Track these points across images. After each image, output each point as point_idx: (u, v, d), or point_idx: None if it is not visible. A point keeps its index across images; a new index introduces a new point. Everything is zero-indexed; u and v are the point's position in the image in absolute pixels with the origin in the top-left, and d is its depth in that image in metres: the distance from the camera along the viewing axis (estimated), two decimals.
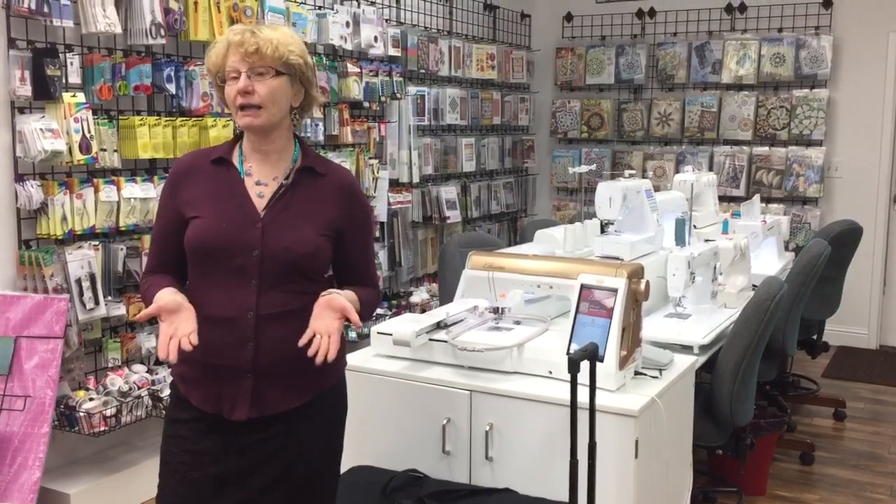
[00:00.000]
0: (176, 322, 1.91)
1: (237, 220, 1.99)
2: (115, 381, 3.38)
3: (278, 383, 1.99)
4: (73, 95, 3.25)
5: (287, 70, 1.99)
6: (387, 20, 5.07)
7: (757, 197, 4.79)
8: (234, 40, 1.96)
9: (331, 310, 1.96)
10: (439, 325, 2.63)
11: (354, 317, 1.97)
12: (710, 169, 6.39)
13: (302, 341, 1.92)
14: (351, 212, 2.09)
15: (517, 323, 2.68)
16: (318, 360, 1.90)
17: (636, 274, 2.42)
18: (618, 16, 6.87)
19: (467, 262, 2.73)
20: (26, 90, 3.14)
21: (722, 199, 5.74)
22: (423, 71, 5.48)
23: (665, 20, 6.72)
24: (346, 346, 2.22)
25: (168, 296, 1.95)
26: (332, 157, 4.43)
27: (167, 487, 2.05)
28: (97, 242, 3.41)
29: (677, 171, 6.10)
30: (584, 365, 2.09)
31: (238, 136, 2.11)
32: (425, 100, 5.48)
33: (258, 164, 2.06)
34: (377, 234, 4.99)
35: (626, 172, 3.59)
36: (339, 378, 2.14)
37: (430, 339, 2.57)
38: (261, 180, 2.04)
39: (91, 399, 3.27)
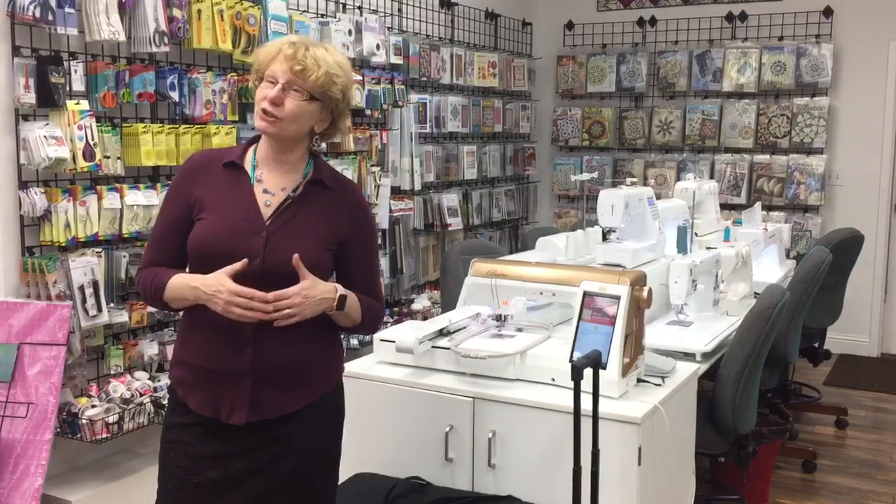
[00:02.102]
0: (215, 286, 1.93)
1: (242, 226, 1.99)
2: (118, 388, 3.38)
3: (277, 387, 2.00)
4: (77, 103, 3.25)
5: (322, 98, 2.00)
6: (389, 28, 5.09)
7: (758, 205, 4.80)
8: (286, 52, 1.97)
9: (324, 291, 1.98)
10: (442, 333, 2.64)
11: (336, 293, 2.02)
12: (711, 177, 6.40)
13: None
14: (355, 226, 2.10)
15: (519, 330, 2.68)
16: (276, 319, 1.93)
17: (639, 281, 2.42)
18: (619, 24, 6.89)
19: (470, 270, 2.73)
20: (30, 97, 3.15)
21: (723, 206, 5.75)
22: (424, 79, 5.49)
23: (666, 28, 6.73)
24: (345, 351, 2.22)
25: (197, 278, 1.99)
26: (334, 164, 4.44)
27: (166, 493, 2.06)
28: (100, 249, 3.41)
29: (678, 179, 6.11)
30: (587, 372, 2.09)
31: (252, 140, 2.12)
32: (427, 107, 5.48)
33: (269, 172, 2.06)
34: (379, 241, 4.99)
35: (628, 180, 3.60)
36: (337, 383, 2.14)
37: (433, 347, 2.57)
38: (269, 189, 2.04)
39: (93, 406, 3.26)
